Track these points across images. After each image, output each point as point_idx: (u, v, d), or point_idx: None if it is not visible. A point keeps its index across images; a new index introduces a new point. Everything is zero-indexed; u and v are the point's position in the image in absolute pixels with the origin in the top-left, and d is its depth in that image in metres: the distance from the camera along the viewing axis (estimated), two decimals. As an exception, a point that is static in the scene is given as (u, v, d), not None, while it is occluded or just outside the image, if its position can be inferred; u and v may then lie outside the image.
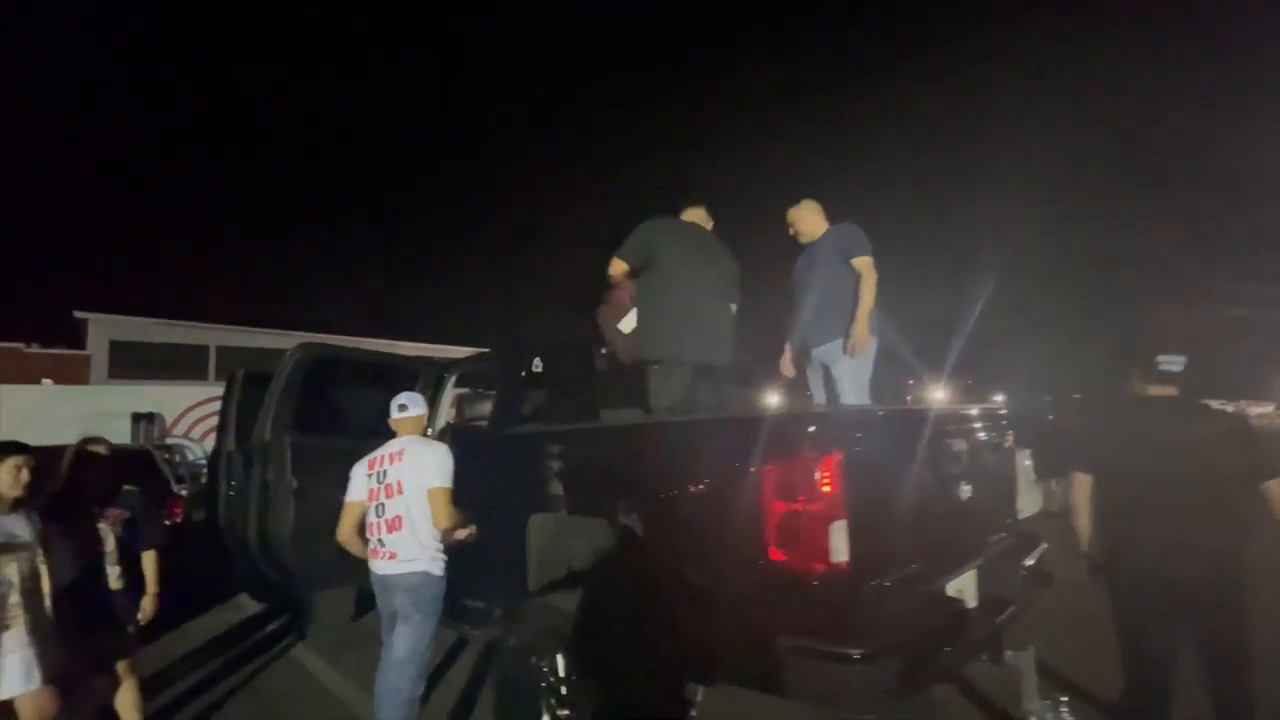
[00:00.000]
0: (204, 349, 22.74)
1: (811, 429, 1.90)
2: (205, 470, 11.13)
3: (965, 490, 2.46)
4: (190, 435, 16.14)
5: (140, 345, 21.63)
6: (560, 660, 2.45)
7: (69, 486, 2.70)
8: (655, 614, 2.20)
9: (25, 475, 2.36)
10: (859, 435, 1.96)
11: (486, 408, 4.37)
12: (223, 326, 23.26)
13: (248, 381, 3.93)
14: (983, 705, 2.87)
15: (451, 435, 4.11)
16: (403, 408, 2.88)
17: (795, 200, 3.51)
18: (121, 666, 2.80)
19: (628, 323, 3.13)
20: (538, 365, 3.53)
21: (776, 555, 1.84)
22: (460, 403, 4.37)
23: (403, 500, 2.68)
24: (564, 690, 2.44)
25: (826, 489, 1.79)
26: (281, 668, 4.15)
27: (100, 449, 2.81)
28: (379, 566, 2.73)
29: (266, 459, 3.25)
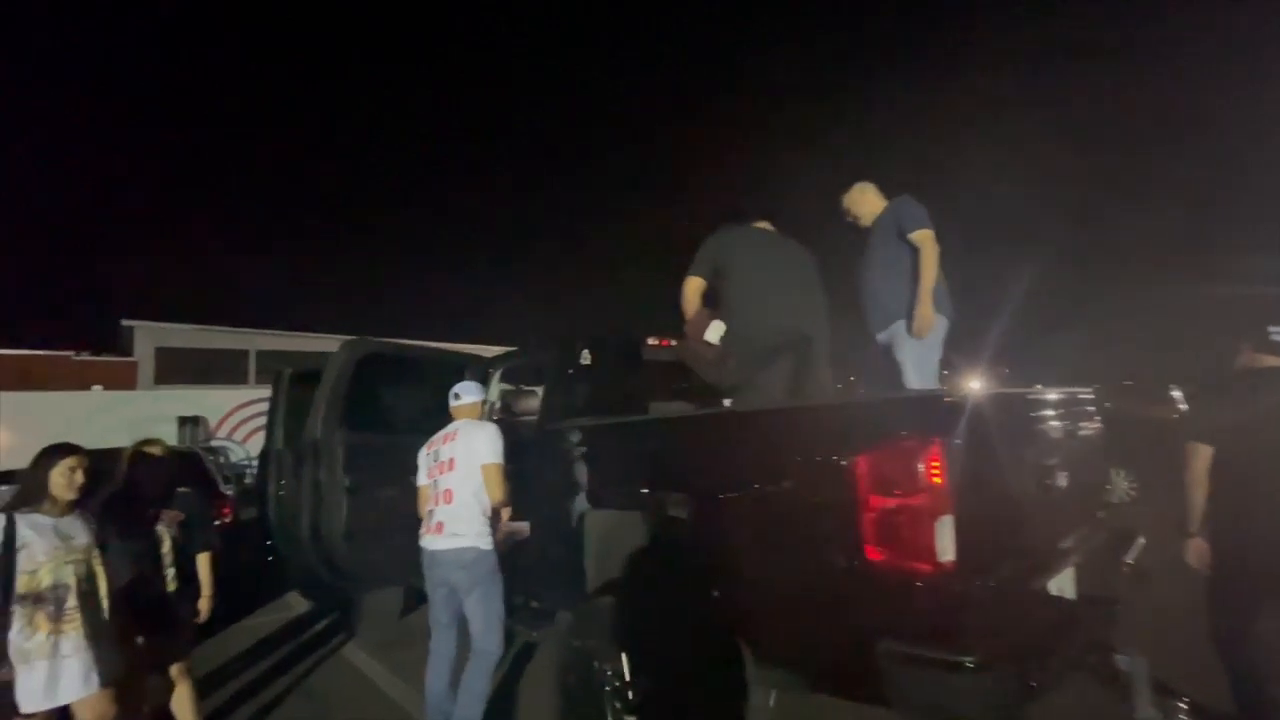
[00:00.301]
0: (244, 353, 23.33)
1: (913, 414, 1.73)
2: (249, 471, 11.40)
3: (1062, 479, 2.27)
4: (233, 437, 16.58)
5: (184, 351, 22.29)
6: (625, 664, 2.33)
7: (125, 488, 2.68)
8: (731, 617, 2.07)
9: (79, 477, 2.32)
10: (961, 420, 1.78)
11: (531, 403, 4.29)
12: (262, 331, 23.84)
13: (295, 380, 3.91)
14: (1091, 714, 2.67)
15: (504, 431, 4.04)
16: (457, 395, 3.03)
17: (845, 187, 3.32)
18: (177, 669, 2.77)
19: (714, 330, 2.97)
20: (586, 357, 3.42)
21: (874, 554, 1.69)
22: (505, 398, 4.28)
23: (454, 476, 2.79)
24: (630, 695, 2.32)
25: (932, 480, 1.63)
26: (333, 668, 4.12)
27: (156, 450, 2.78)
28: (429, 542, 2.79)
29: (318, 457, 3.20)
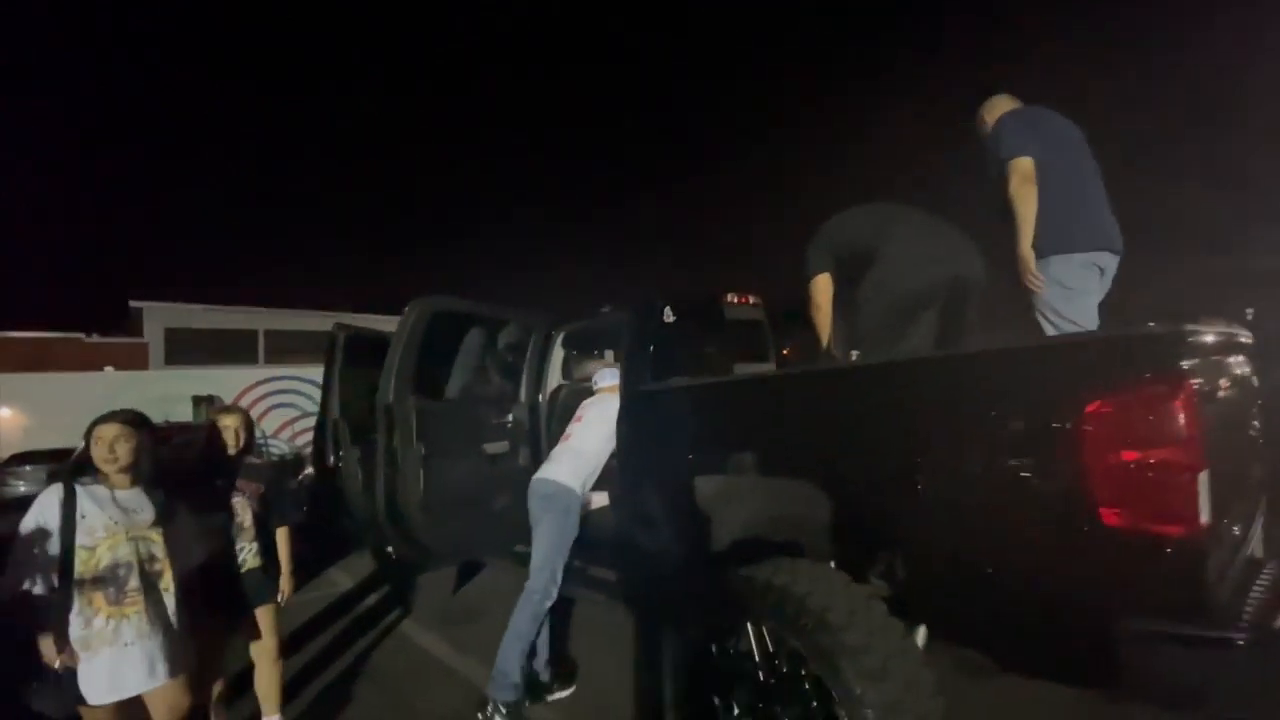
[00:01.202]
0: (253, 333, 23.15)
1: (1162, 352, 1.46)
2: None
3: (1254, 429, 2.03)
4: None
5: (193, 331, 22.10)
6: (756, 645, 2.11)
7: (200, 460, 2.46)
8: (904, 592, 1.84)
9: (122, 448, 2.08)
10: (1201, 361, 1.53)
11: (591, 369, 4.05)
12: (270, 310, 23.61)
13: (350, 345, 3.65)
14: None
15: (568, 396, 3.81)
16: (596, 384, 3.40)
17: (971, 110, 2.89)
18: (261, 650, 2.58)
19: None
20: (669, 315, 3.17)
21: (1111, 518, 1.44)
22: (565, 364, 4.04)
23: (577, 425, 3.12)
24: (762, 675, 2.10)
25: (1189, 430, 1.38)
26: (394, 647, 3.95)
27: (232, 420, 2.56)
28: (539, 471, 3.03)
29: (390, 425, 2.96)
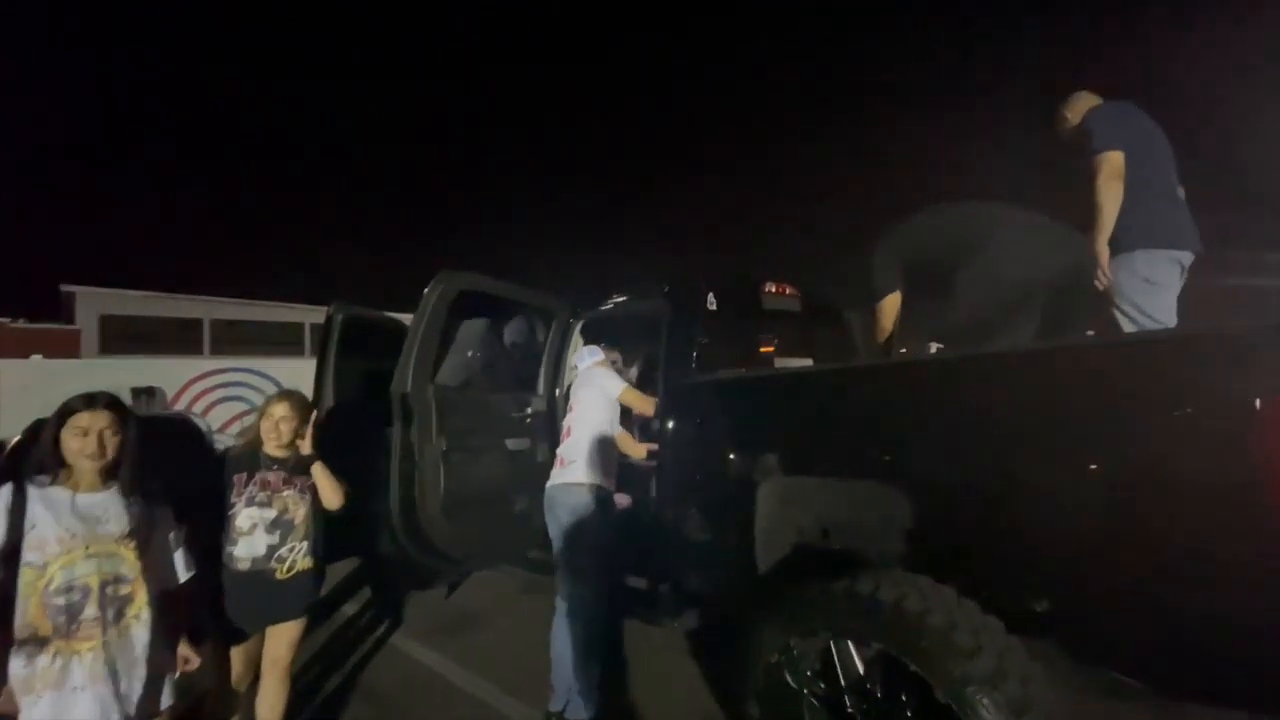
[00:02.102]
0: (197, 322, 21.81)
1: None
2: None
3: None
4: (193, 410, 15.44)
5: (131, 319, 20.67)
6: (843, 665, 1.90)
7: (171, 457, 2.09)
8: (1034, 609, 1.65)
9: (111, 441, 1.73)
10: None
11: (612, 360, 3.77)
12: (216, 299, 22.28)
13: (348, 327, 3.27)
14: None
15: None
16: (574, 367, 3.14)
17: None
18: (273, 663, 2.25)
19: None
20: (712, 303, 2.93)
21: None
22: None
23: (574, 415, 2.87)
24: (854, 700, 1.89)
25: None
26: (386, 661, 3.58)
27: (282, 409, 2.27)
28: (550, 480, 2.80)
29: (408, 416, 2.62)
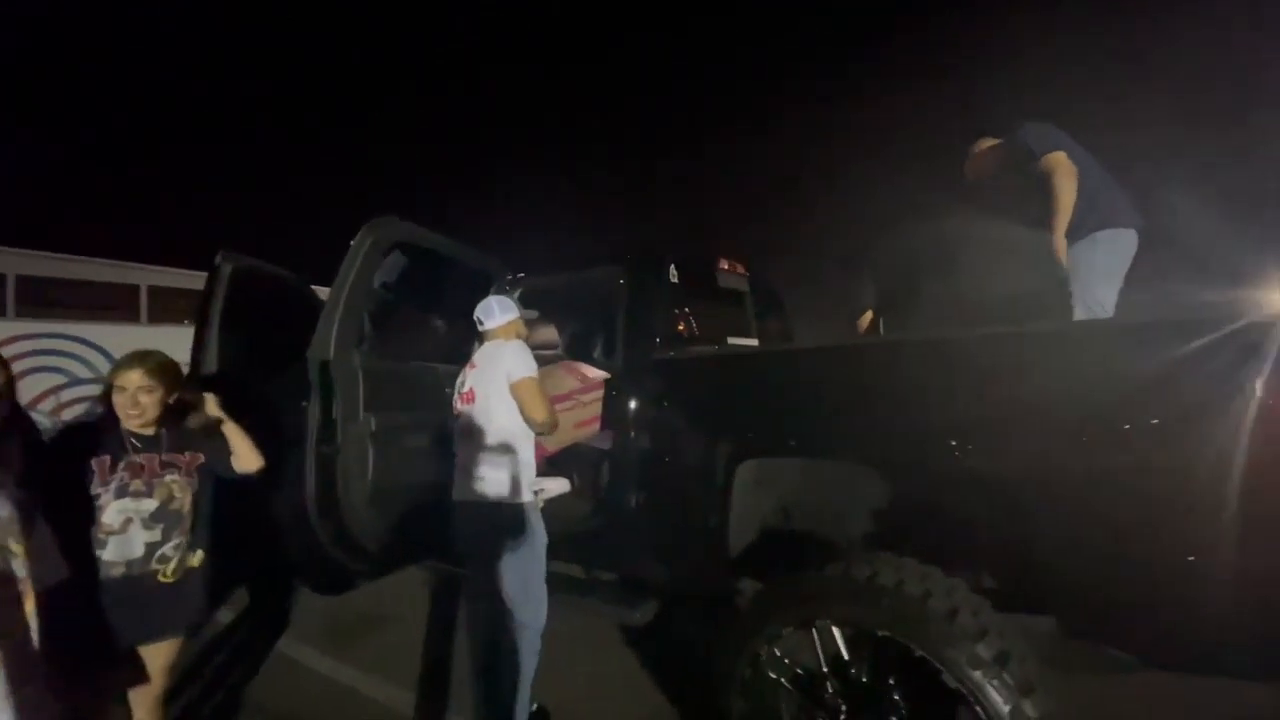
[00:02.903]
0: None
1: None
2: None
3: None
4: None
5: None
6: (840, 640, 1.83)
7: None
8: (1034, 589, 1.67)
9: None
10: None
11: (548, 334, 3.51)
12: (20, 252, 18.66)
13: (237, 281, 2.70)
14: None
15: None
16: (481, 321, 2.46)
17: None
18: (148, 695, 1.80)
19: None
20: (674, 276, 2.78)
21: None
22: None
23: (475, 407, 2.28)
24: (833, 685, 1.83)
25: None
26: (279, 672, 3.09)
27: (141, 377, 1.73)
28: (454, 493, 2.29)
29: (329, 389, 2.20)
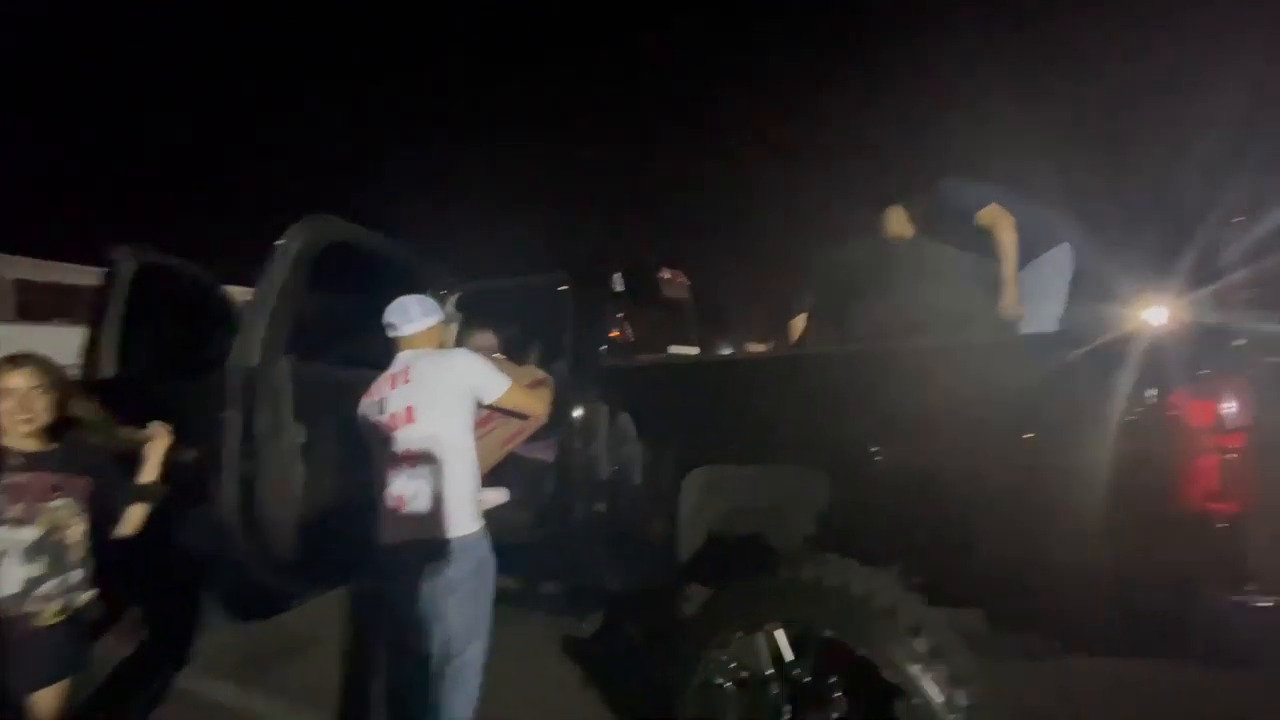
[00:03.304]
0: None
1: (1208, 349, 1.61)
2: None
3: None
4: None
5: None
6: (770, 654, 1.89)
7: None
8: (961, 582, 1.80)
9: None
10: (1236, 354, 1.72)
11: (486, 340, 3.46)
12: None
13: (145, 280, 2.44)
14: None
15: None
16: (393, 325, 2.14)
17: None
18: None
19: None
20: (619, 284, 2.79)
21: (1189, 500, 1.55)
22: (460, 334, 3.34)
23: (416, 430, 2.00)
24: (778, 686, 1.89)
25: (1246, 418, 1.55)
26: (181, 708, 2.83)
27: (21, 379, 1.53)
28: (386, 528, 2.01)
29: (252, 399, 2.03)
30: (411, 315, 2.15)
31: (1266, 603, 1.52)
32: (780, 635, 1.87)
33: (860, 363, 2.07)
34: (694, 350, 3.43)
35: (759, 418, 2.10)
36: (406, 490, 1.98)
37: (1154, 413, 1.58)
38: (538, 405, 2.18)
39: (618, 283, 2.75)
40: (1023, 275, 2.71)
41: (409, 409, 2.01)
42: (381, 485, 2.03)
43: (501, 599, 2.59)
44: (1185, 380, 1.57)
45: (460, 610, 1.98)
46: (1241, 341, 1.65)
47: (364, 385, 2.45)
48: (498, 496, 3.25)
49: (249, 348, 2.04)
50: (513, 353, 3.63)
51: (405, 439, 2.00)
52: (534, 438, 2.69)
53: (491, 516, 2.62)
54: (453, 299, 3.17)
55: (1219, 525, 1.54)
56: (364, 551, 2.18)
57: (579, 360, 2.51)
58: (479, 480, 2.13)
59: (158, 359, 2.53)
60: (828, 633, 1.73)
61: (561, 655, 3.01)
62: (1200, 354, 1.61)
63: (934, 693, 1.59)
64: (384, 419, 2.05)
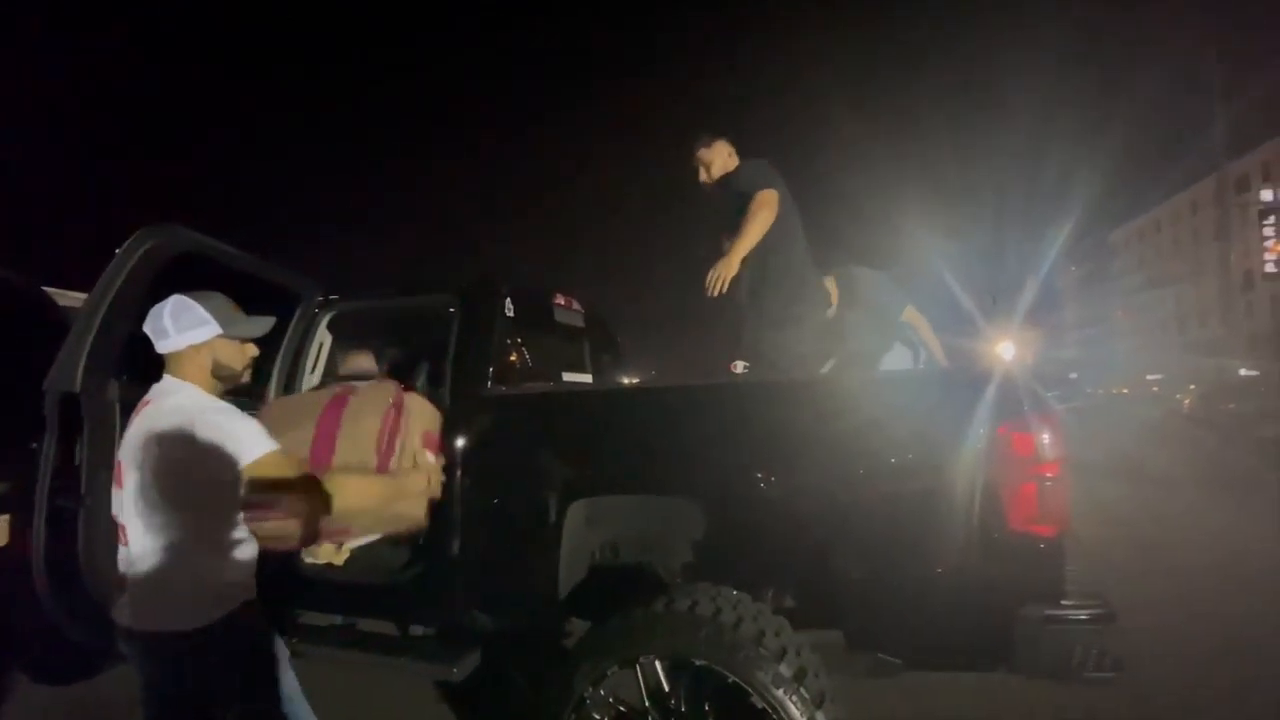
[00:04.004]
0: None
1: (1013, 391, 1.81)
2: None
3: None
4: None
5: None
6: (661, 673, 1.88)
7: None
8: (818, 603, 1.88)
9: None
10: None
11: (363, 363, 3.28)
12: None
13: None
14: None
15: None
16: (160, 332, 1.58)
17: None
18: None
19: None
20: (509, 309, 2.74)
21: (1016, 524, 1.72)
22: (333, 354, 3.13)
23: (124, 495, 1.53)
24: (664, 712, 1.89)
25: (1059, 450, 1.75)
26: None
27: None
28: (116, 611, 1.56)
29: (71, 427, 1.77)
30: (163, 328, 1.58)
31: (1081, 615, 1.71)
32: (656, 666, 1.88)
33: (730, 395, 2.15)
34: (587, 378, 3.43)
35: (643, 448, 2.11)
36: (126, 569, 1.56)
37: (987, 444, 1.75)
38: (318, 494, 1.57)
39: (508, 307, 2.70)
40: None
41: (120, 464, 1.56)
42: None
43: (370, 645, 2.42)
44: (1010, 415, 1.75)
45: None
46: (1074, 375, 1.88)
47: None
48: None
49: (69, 370, 1.78)
50: (395, 379, 3.45)
51: (119, 503, 1.57)
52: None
53: (361, 554, 2.46)
54: (325, 318, 2.98)
55: (1041, 545, 1.73)
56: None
57: (461, 387, 2.42)
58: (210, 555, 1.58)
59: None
60: (699, 661, 1.74)
61: (437, 702, 2.85)
62: (1024, 391, 1.81)
63: (797, 714, 1.63)
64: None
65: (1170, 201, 45.35)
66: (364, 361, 3.27)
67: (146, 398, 1.58)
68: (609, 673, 1.85)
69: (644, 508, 2.23)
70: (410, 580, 2.35)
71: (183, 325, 1.58)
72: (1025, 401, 1.78)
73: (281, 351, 2.72)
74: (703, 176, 3.03)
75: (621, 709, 1.90)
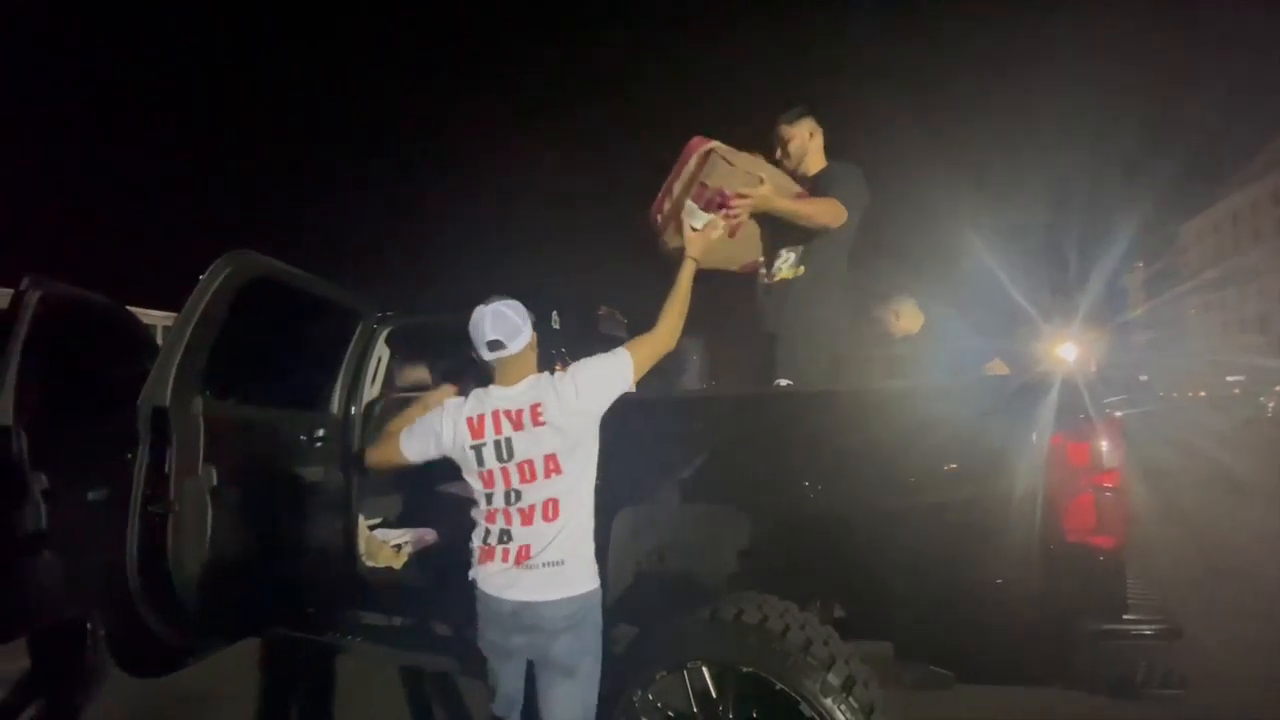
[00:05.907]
0: None
1: (1076, 397, 1.76)
2: None
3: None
4: None
5: None
6: (709, 680, 1.91)
7: None
8: (872, 615, 1.87)
9: None
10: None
11: (418, 374, 3.43)
12: None
13: (49, 311, 2.30)
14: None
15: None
16: (499, 345, 1.70)
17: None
18: None
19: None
20: (555, 321, 2.83)
21: (1072, 535, 1.68)
22: (390, 368, 3.29)
23: (560, 482, 1.71)
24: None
25: (1116, 460, 1.70)
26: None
27: None
28: (501, 584, 1.73)
29: (163, 440, 1.94)
30: (516, 327, 1.73)
31: (1145, 630, 1.65)
32: (705, 672, 1.91)
33: (779, 404, 2.17)
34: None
35: (688, 458, 2.15)
36: (534, 539, 1.72)
37: (1042, 453, 1.71)
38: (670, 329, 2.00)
39: (555, 319, 2.79)
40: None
41: (549, 457, 1.72)
42: (486, 531, 1.78)
43: (424, 644, 2.52)
44: (1065, 423, 1.71)
45: (578, 691, 1.78)
46: (1145, 378, 1.83)
47: (282, 425, 2.37)
48: (426, 536, 3.19)
49: (160, 386, 1.94)
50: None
51: (535, 491, 1.72)
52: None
53: (421, 557, 2.58)
54: (383, 333, 3.13)
55: (1099, 557, 1.68)
56: (278, 597, 2.08)
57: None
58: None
59: (63, 398, 2.37)
60: (746, 669, 1.76)
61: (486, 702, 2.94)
62: (1083, 398, 1.77)
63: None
64: (505, 470, 1.72)
65: (1247, 190, 42.54)
66: (417, 374, 3.43)
67: (527, 401, 1.72)
68: (657, 677, 1.89)
69: (691, 516, 2.27)
70: (461, 583, 2.45)
71: (526, 318, 1.79)
72: (1081, 409, 1.73)
73: (343, 365, 2.88)
74: (778, 154, 2.67)
75: (670, 714, 1.94)
